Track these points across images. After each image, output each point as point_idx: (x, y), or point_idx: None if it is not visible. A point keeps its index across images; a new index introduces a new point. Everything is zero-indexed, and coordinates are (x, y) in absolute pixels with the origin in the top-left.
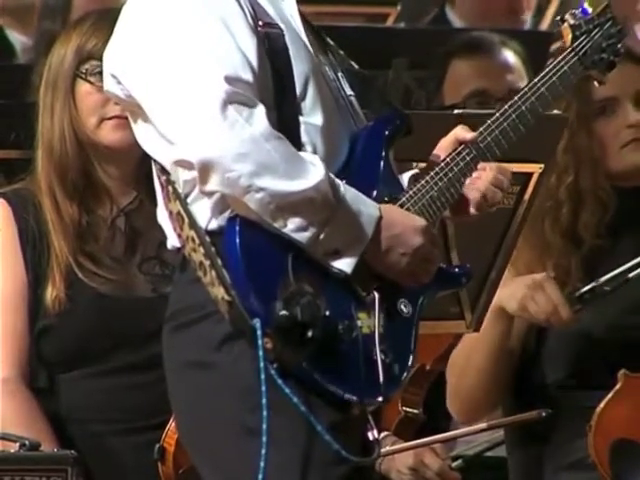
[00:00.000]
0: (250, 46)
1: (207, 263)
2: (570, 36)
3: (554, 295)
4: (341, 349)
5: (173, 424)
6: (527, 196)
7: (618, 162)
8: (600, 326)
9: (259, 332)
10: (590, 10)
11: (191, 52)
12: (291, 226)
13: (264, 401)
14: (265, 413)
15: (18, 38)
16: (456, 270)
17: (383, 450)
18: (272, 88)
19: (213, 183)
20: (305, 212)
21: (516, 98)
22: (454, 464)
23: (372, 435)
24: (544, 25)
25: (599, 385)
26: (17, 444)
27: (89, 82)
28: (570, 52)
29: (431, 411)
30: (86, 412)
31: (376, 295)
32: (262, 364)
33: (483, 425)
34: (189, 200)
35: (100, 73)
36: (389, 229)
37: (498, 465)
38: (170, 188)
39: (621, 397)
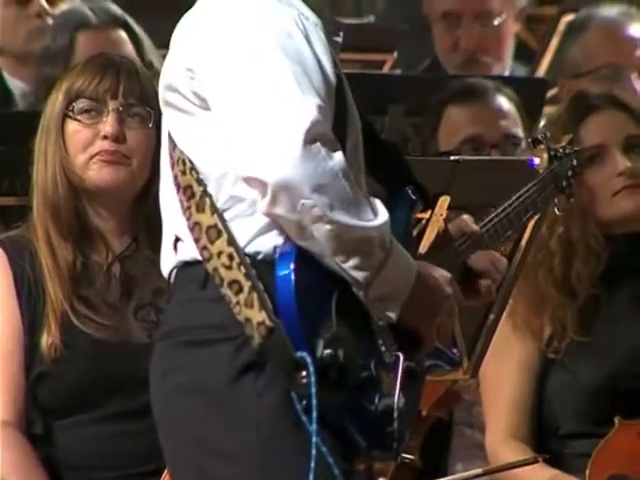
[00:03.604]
0: (332, 78)
1: (247, 284)
2: (546, 157)
3: None
4: (363, 401)
5: None
6: (524, 242)
7: (610, 210)
8: (599, 376)
9: (311, 368)
10: (536, 161)
11: (289, 71)
12: (351, 263)
13: (315, 439)
14: (314, 452)
15: (17, 85)
16: (454, 351)
17: None
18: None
19: (284, 207)
20: (366, 252)
21: (506, 204)
22: None
23: None
24: (540, 72)
25: (598, 434)
26: None
27: (77, 120)
28: (548, 173)
29: (428, 457)
30: (82, 459)
31: (400, 356)
32: (314, 401)
33: (479, 471)
34: (227, 216)
35: (87, 111)
36: (426, 277)
37: None
38: (207, 200)
39: (615, 443)
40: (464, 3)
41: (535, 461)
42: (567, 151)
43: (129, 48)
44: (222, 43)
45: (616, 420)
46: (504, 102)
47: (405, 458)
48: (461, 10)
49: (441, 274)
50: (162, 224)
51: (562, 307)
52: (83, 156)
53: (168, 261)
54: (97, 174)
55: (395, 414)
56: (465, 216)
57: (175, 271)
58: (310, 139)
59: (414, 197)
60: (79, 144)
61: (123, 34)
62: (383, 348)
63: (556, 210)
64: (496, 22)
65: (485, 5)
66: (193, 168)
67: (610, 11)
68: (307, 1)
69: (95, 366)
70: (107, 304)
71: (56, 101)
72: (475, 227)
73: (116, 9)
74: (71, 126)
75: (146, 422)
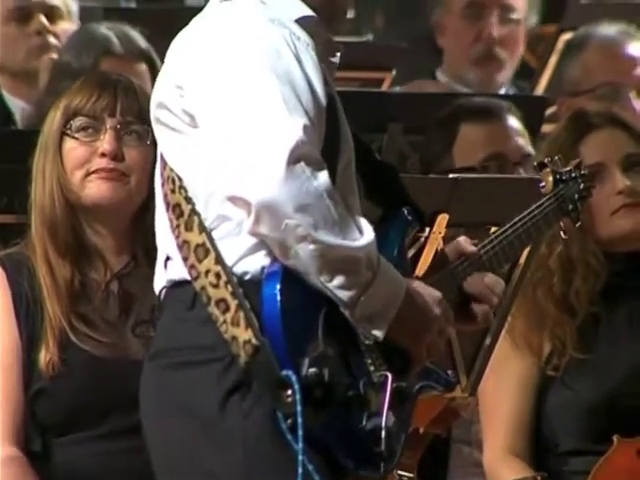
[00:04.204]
0: (322, 99)
1: (234, 303)
2: (551, 180)
3: None
4: (351, 420)
5: None
6: (522, 260)
7: (609, 229)
8: (598, 394)
9: (296, 386)
10: (542, 184)
11: (277, 91)
12: (336, 282)
13: (301, 458)
14: (301, 470)
15: (16, 103)
16: (450, 373)
17: None
18: (321, 144)
19: (267, 226)
20: (351, 271)
21: (507, 226)
22: None
23: None
24: (539, 90)
25: (596, 451)
26: None
27: (75, 138)
28: (552, 196)
29: (426, 475)
30: (81, 476)
31: (389, 375)
32: (300, 420)
33: None
34: (215, 236)
35: (85, 129)
36: (414, 297)
37: None
38: (196, 219)
39: (614, 460)
40: None
41: (534, 479)
42: (573, 174)
43: (148, 84)
44: (211, 61)
45: (615, 438)
46: (516, 121)
47: (403, 476)
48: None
49: (430, 294)
50: None
51: (561, 325)
52: (80, 173)
53: (159, 280)
54: (94, 190)
55: (383, 434)
56: (462, 238)
57: (165, 290)
58: (294, 159)
59: (410, 218)
60: (76, 161)
61: (145, 68)
62: (372, 367)
63: (562, 234)
64: (515, 16)
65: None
66: (182, 186)
67: (609, 29)
68: (300, 22)
69: (93, 382)
70: (105, 321)
71: (54, 119)
72: (472, 248)
73: (142, 41)
74: (69, 144)
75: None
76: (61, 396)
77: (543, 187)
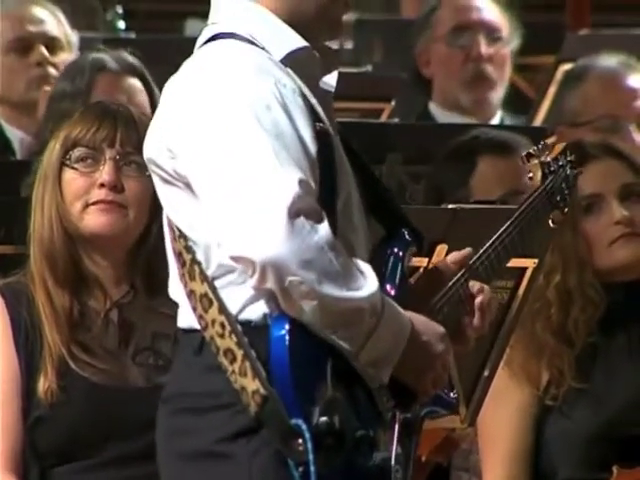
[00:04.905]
0: (312, 147)
1: (240, 353)
2: (540, 173)
3: None
4: (360, 460)
5: None
6: (521, 291)
7: (607, 259)
8: (597, 423)
9: (307, 435)
10: (529, 176)
11: (268, 147)
12: (340, 334)
13: None
14: None
15: (16, 134)
16: (451, 395)
17: None
18: (317, 191)
19: (272, 283)
20: (354, 322)
21: (501, 231)
22: None
23: None
24: (537, 121)
25: None
26: None
27: (74, 169)
28: (542, 191)
29: None
30: None
31: (397, 414)
32: (313, 468)
33: None
34: (218, 284)
35: (84, 159)
36: (418, 337)
37: None
38: (197, 268)
39: None
40: (476, 13)
41: None
42: (560, 163)
43: (144, 97)
44: (199, 122)
45: (614, 469)
46: None
47: None
48: (474, 21)
49: (433, 330)
50: (160, 270)
51: (559, 355)
52: (79, 204)
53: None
54: (93, 222)
55: (392, 477)
56: (451, 254)
57: (178, 334)
58: (293, 214)
59: (409, 239)
60: (76, 192)
61: (139, 83)
62: (379, 404)
63: (550, 223)
64: (500, 35)
65: (494, 21)
66: (181, 235)
67: (609, 61)
68: (291, 55)
69: (93, 410)
70: (105, 349)
71: (53, 150)
72: (462, 258)
73: (134, 59)
74: (68, 174)
75: (146, 467)
76: (60, 424)
77: (531, 178)
